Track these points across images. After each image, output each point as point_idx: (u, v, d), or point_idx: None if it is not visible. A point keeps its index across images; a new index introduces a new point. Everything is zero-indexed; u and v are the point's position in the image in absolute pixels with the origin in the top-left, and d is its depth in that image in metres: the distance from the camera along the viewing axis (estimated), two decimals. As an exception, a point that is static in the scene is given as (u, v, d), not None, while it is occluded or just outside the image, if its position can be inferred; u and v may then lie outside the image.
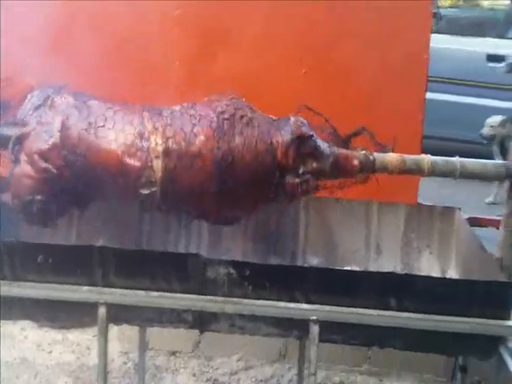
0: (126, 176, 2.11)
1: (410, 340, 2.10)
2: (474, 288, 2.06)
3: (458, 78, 6.64)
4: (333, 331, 2.08)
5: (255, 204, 2.22)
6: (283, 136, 2.16)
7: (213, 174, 2.11)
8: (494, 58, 6.67)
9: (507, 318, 2.04)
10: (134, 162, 2.10)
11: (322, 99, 2.97)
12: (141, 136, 2.12)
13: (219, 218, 2.24)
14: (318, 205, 2.65)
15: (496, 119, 5.48)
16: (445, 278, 2.30)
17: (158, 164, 2.10)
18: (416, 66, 3.08)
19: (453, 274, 2.55)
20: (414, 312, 2.03)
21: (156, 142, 2.11)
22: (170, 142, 2.12)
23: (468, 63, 6.71)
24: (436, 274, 2.56)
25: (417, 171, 2.30)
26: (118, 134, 2.12)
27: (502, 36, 6.92)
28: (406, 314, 2.03)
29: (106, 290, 2.11)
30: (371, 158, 2.22)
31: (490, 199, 5.57)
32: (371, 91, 3.06)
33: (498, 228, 3.37)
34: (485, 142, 5.47)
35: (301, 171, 2.16)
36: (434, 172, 2.29)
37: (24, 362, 3.26)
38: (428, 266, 2.62)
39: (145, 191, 2.12)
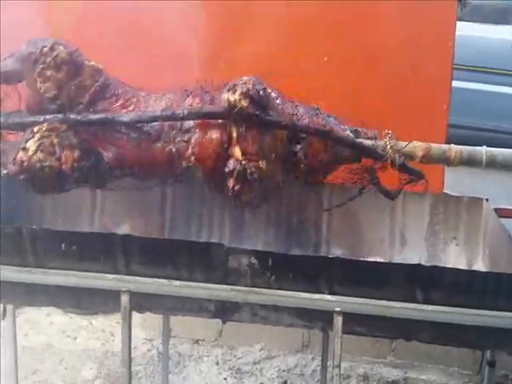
0: None
1: (436, 333, 2.06)
2: (503, 281, 2.02)
3: (482, 66, 6.52)
4: (357, 323, 2.05)
5: None
6: None
7: None
8: (519, 45, 6.53)
9: (537, 312, 2.00)
10: None
11: (345, 83, 2.95)
12: None
13: None
14: (342, 194, 2.61)
15: None
16: (472, 271, 2.25)
17: None
18: (441, 54, 3.02)
19: (480, 266, 2.50)
20: (440, 305, 1.99)
21: None
22: None
23: (493, 51, 6.59)
24: (462, 266, 2.51)
25: (444, 161, 2.25)
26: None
27: (527, 24, 6.78)
28: (431, 307, 1.99)
29: (129, 278, 2.11)
30: (399, 145, 2.18)
31: (516, 189, 5.46)
32: (396, 79, 3.01)
33: (526, 219, 3.32)
34: None
35: None
36: (461, 161, 2.24)
37: (49, 347, 3.28)
38: (454, 258, 2.57)
39: None
